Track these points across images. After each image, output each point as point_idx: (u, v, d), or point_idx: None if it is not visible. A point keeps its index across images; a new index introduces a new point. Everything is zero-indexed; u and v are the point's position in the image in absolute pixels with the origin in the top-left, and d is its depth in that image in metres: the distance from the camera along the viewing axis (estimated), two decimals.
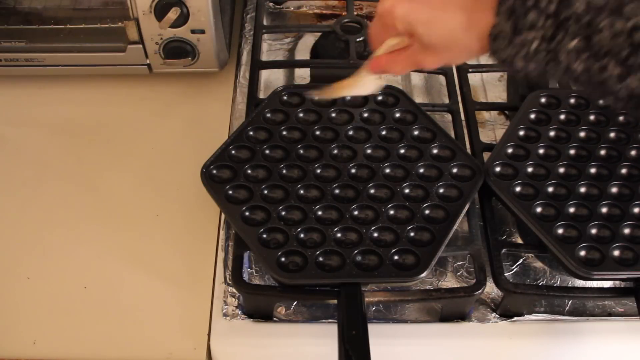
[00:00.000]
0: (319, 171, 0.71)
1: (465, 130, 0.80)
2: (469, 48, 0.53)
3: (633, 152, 0.74)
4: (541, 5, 0.46)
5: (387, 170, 0.71)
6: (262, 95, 0.84)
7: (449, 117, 0.81)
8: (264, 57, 0.90)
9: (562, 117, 0.78)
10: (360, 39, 0.88)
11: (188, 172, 0.76)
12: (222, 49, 0.85)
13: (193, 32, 0.80)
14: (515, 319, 0.67)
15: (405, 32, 0.55)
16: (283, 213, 0.67)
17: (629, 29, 0.44)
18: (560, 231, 0.66)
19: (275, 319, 0.67)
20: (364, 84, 0.65)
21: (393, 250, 0.64)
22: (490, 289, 0.68)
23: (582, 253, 0.65)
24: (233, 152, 0.72)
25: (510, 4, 0.48)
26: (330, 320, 0.67)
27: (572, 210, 0.69)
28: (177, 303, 0.69)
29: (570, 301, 0.69)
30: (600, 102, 0.73)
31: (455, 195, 0.69)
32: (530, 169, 0.72)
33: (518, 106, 0.79)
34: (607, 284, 0.69)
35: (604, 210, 0.69)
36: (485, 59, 0.95)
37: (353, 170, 0.71)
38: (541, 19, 0.46)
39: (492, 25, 0.49)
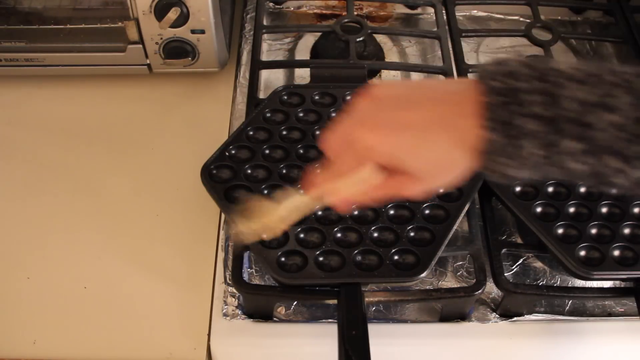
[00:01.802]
0: (318, 171, 0.71)
1: None
2: (457, 168, 0.49)
3: None
4: (528, 107, 0.44)
5: None
6: (262, 95, 0.84)
7: None
8: (264, 57, 0.90)
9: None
10: (361, 39, 0.88)
11: (188, 172, 0.76)
12: (222, 49, 0.85)
13: (193, 32, 0.80)
14: (515, 319, 0.67)
15: (384, 163, 0.50)
16: None
17: (621, 120, 0.43)
18: (560, 231, 0.66)
19: (275, 319, 0.67)
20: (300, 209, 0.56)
21: (393, 250, 0.64)
22: (490, 289, 0.68)
23: (582, 253, 0.65)
24: (233, 152, 0.72)
25: (495, 114, 0.45)
26: (330, 320, 0.67)
27: (572, 210, 0.69)
28: (177, 303, 0.69)
29: (570, 301, 0.69)
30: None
31: (455, 195, 0.69)
32: None
33: None
34: (607, 284, 0.69)
35: (604, 210, 0.69)
36: (484, 59, 0.95)
37: None
38: (531, 123, 0.44)
39: (482, 139, 0.45)
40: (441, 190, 0.67)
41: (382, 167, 0.50)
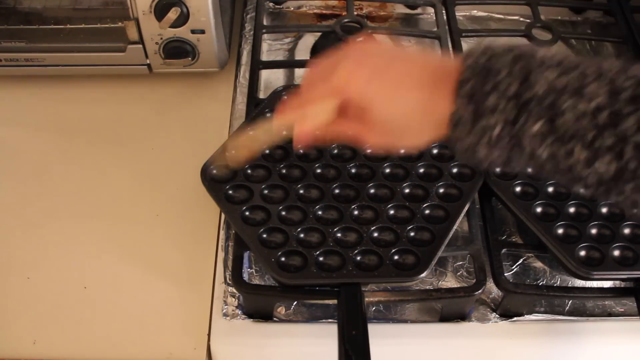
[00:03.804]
0: (318, 171, 0.71)
1: None
2: (422, 133, 0.50)
3: None
4: (501, 87, 0.44)
5: (387, 170, 0.71)
6: (262, 95, 0.84)
7: None
8: (264, 57, 0.90)
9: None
10: (361, 38, 0.87)
11: (188, 172, 0.76)
12: (222, 49, 0.85)
13: (193, 32, 0.80)
14: (515, 319, 0.67)
15: (355, 102, 0.50)
16: (283, 213, 0.67)
17: (592, 110, 0.42)
18: (560, 231, 0.66)
19: (275, 319, 0.67)
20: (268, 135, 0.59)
21: (393, 250, 0.64)
22: (490, 289, 0.68)
23: (582, 253, 0.65)
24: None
25: (469, 87, 0.45)
26: (330, 320, 0.67)
27: (572, 210, 0.69)
28: (177, 303, 0.69)
29: (570, 301, 0.69)
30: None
31: (455, 195, 0.69)
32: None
33: None
34: (607, 284, 0.69)
35: (604, 210, 0.69)
36: None
37: (353, 170, 0.71)
38: (502, 101, 0.44)
39: (452, 111, 0.46)
40: (402, 152, 0.68)
41: (348, 109, 0.51)
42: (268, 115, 0.58)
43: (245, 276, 0.68)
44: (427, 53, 0.51)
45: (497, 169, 0.53)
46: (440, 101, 0.47)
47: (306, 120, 0.53)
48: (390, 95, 0.49)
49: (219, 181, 0.69)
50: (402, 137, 0.52)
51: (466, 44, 0.93)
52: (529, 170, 0.48)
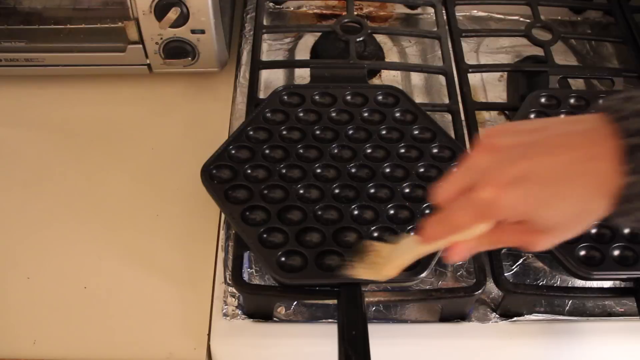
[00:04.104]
0: (319, 171, 0.71)
1: (465, 130, 0.80)
2: (595, 216, 0.44)
3: None
4: None
5: (387, 170, 0.71)
6: (262, 95, 0.84)
7: (449, 117, 0.81)
8: (264, 57, 0.90)
9: (563, 117, 0.77)
10: (361, 39, 0.88)
11: (188, 172, 0.76)
12: (222, 49, 0.85)
13: (193, 32, 0.80)
14: (515, 319, 0.67)
15: (512, 220, 0.46)
16: (283, 213, 0.67)
17: None
18: None
19: (275, 319, 0.67)
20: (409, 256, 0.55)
21: None
22: (490, 289, 0.68)
23: (582, 253, 0.65)
24: (233, 152, 0.72)
25: (637, 157, 0.40)
26: (330, 320, 0.67)
27: None
28: (177, 303, 0.69)
29: (570, 301, 0.69)
30: None
31: None
32: None
33: (518, 106, 0.79)
34: (607, 284, 0.69)
35: None
36: (484, 59, 0.95)
37: (353, 170, 0.71)
38: None
39: (621, 185, 0.41)
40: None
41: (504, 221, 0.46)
42: (409, 234, 0.55)
43: (245, 276, 0.68)
44: (563, 121, 0.45)
45: None
46: (608, 177, 0.42)
47: (458, 244, 0.49)
48: (549, 204, 0.43)
49: (219, 181, 0.69)
50: (574, 231, 0.47)
51: (466, 43, 0.93)
52: None
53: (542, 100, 0.79)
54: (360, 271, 0.58)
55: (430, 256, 0.63)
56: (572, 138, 0.43)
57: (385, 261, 0.56)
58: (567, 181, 0.43)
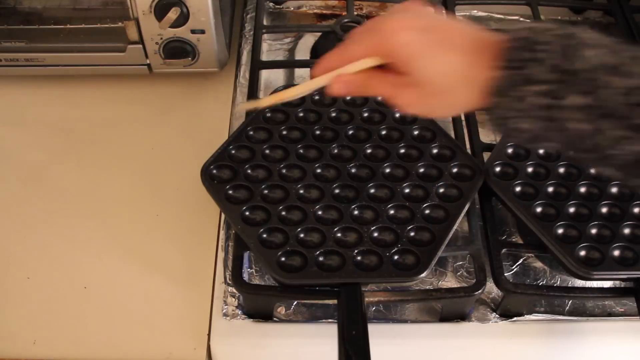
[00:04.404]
0: (319, 171, 0.71)
1: (465, 130, 0.79)
2: (458, 99, 0.50)
3: None
4: (543, 58, 0.45)
5: (387, 170, 0.71)
6: (262, 95, 0.84)
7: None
8: (264, 57, 0.90)
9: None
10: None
11: (188, 172, 0.76)
12: (222, 49, 0.85)
13: (193, 32, 0.80)
14: (515, 319, 0.67)
15: (397, 59, 0.50)
16: (283, 213, 0.67)
17: (629, 88, 0.43)
18: (560, 231, 0.66)
19: (275, 319, 0.67)
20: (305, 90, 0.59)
21: (393, 250, 0.64)
22: (490, 289, 0.68)
23: (582, 253, 0.65)
24: (233, 152, 0.72)
25: (511, 56, 0.46)
26: (330, 320, 0.67)
27: (572, 210, 0.69)
28: (177, 303, 0.69)
29: (570, 301, 0.69)
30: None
31: (455, 195, 0.69)
32: (530, 169, 0.72)
33: None
34: (607, 284, 0.69)
35: (604, 210, 0.69)
36: None
37: (353, 170, 0.71)
38: (543, 72, 0.45)
39: (493, 77, 0.46)
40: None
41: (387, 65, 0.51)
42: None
43: (245, 276, 0.68)
44: (470, 24, 0.52)
45: (523, 144, 0.54)
46: (481, 68, 0.47)
47: (342, 77, 0.53)
48: (433, 53, 0.49)
49: (219, 181, 0.69)
50: (437, 100, 0.51)
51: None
52: (554, 145, 0.48)
53: None
54: (262, 100, 0.64)
55: (431, 256, 0.63)
56: (473, 31, 0.50)
57: (279, 93, 0.59)
58: (453, 49, 0.49)
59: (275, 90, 0.79)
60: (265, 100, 0.62)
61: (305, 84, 0.57)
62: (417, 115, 0.64)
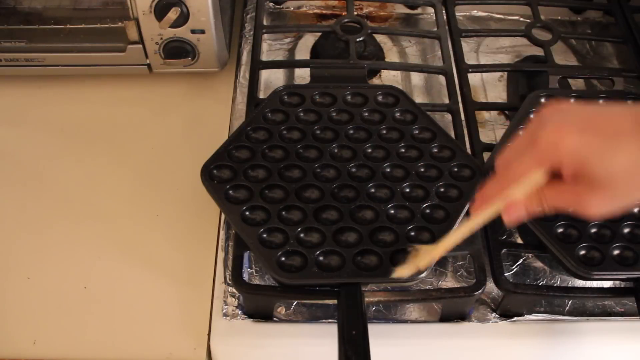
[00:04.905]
0: (319, 171, 0.71)
1: (465, 130, 0.80)
2: None
3: None
4: None
5: (387, 170, 0.71)
6: (262, 95, 0.84)
7: (449, 117, 0.81)
8: (264, 57, 0.90)
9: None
10: (361, 39, 0.88)
11: (188, 172, 0.76)
12: (222, 49, 0.85)
13: (193, 32, 0.80)
14: (515, 319, 0.67)
15: (569, 169, 0.46)
16: (283, 213, 0.67)
17: None
18: (560, 231, 0.66)
19: (275, 319, 0.67)
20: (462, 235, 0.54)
21: (393, 250, 0.64)
22: (490, 289, 0.68)
23: (582, 253, 0.65)
24: (233, 152, 0.72)
25: None
26: (330, 320, 0.67)
27: None
28: (177, 303, 0.69)
29: (570, 301, 0.69)
30: None
31: (455, 195, 0.69)
32: None
33: (518, 106, 0.79)
34: (607, 284, 0.69)
35: None
36: (484, 59, 0.95)
37: (353, 170, 0.71)
38: None
39: None
40: (635, 210, 0.61)
41: (562, 173, 0.46)
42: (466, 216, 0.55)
43: (245, 276, 0.68)
44: (620, 104, 0.48)
45: None
46: None
47: (513, 204, 0.49)
48: (607, 148, 0.44)
49: (219, 181, 0.69)
50: (627, 192, 0.46)
51: (466, 43, 0.93)
52: None
53: (542, 100, 0.79)
54: (421, 261, 0.56)
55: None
56: (631, 106, 0.46)
57: (431, 249, 0.55)
58: (627, 136, 0.44)
59: (276, 91, 0.79)
60: (427, 259, 0.56)
61: (467, 224, 0.52)
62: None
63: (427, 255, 0.56)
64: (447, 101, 0.83)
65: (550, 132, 0.45)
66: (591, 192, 0.46)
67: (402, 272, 0.57)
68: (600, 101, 0.78)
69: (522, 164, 0.47)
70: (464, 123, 0.80)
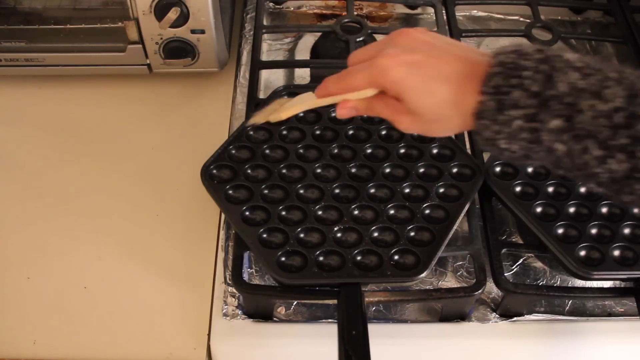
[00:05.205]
0: (319, 171, 0.71)
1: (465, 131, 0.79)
2: (451, 124, 0.54)
3: None
4: (525, 84, 0.47)
5: (387, 170, 0.71)
6: (262, 95, 0.84)
7: None
8: (264, 57, 0.91)
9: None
10: (361, 39, 0.88)
11: (188, 172, 0.76)
12: (222, 49, 0.85)
13: (193, 32, 0.80)
14: (515, 319, 0.67)
15: (393, 93, 0.54)
16: (283, 213, 0.67)
17: (610, 111, 0.45)
18: (560, 231, 0.66)
19: (275, 319, 0.67)
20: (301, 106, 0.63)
21: (393, 250, 0.64)
22: (490, 289, 0.68)
23: (582, 253, 0.65)
24: (233, 152, 0.72)
25: (495, 82, 0.48)
26: (330, 320, 0.67)
27: (572, 210, 0.69)
28: (177, 303, 0.69)
29: (570, 301, 0.69)
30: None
31: (455, 195, 0.69)
32: (530, 169, 0.72)
33: None
34: (607, 284, 0.69)
35: (604, 210, 0.69)
36: None
37: (353, 170, 0.71)
38: (525, 97, 0.47)
39: (477, 103, 0.49)
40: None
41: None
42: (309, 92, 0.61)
43: (245, 276, 0.68)
44: (466, 48, 0.56)
45: (517, 162, 0.59)
46: (470, 94, 0.50)
47: (346, 102, 0.58)
48: (423, 89, 0.53)
49: (219, 181, 0.69)
50: (432, 126, 0.55)
51: (466, 43, 0.93)
52: (543, 164, 0.51)
53: None
54: (257, 116, 0.64)
55: (431, 256, 0.63)
56: (464, 58, 0.53)
57: (281, 108, 0.62)
58: (442, 82, 0.52)
59: (276, 91, 0.79)
60: (275, 116, 0.63)
61: (310, 102, 0.60)
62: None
63: (276, 114, 0.62)
64: None
65: (385, 58, 0.53)
66: (406, 113, 0.55)
67: (254, 119, 0.65)
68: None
69: (357, 79, 0.56)
70: None
